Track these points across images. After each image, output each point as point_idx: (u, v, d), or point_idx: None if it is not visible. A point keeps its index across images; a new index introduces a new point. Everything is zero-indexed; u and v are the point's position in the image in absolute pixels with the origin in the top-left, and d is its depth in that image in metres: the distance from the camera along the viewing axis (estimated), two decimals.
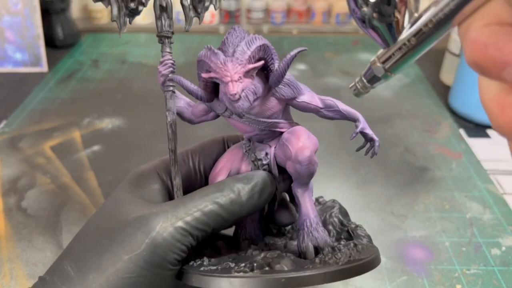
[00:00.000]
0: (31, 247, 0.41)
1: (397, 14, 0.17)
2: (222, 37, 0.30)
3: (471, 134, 0.60)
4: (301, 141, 0.28)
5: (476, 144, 0.58)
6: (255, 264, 0.27)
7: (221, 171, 0.31)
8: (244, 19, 0.95)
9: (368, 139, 0.30)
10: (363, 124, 0.29)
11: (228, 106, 0.27)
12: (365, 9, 0.17)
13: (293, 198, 0.33)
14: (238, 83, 0.26)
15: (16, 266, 0.39)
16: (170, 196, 0.32)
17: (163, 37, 0.30)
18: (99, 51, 0.84)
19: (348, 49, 0.86)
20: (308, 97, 0.29)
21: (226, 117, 0.30)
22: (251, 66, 0.26)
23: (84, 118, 0.62)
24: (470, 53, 0.15)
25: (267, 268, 0.27)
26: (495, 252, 0.42)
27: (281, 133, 0.30)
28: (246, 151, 0.31)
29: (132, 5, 0.29)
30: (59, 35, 0.82)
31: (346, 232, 0.32)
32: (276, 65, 0.27)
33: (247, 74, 0.26)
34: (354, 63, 0.79)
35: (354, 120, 0.30)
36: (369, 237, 0.31)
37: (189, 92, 0.28)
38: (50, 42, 0.80)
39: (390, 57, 0.18)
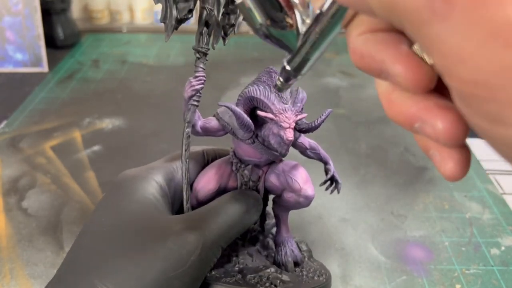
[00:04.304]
0: (31, 247, 0.41)
1: (288, 20, 0.19)
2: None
3: (470, 134, 0.59)
4: (308, 180, 0.33)
5: (475, 144, 0.58)
6: (276, 280, 0.33)
7: (210, 183, 0.33)
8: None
9: (334, 180, 0.35)
10: (332, 167, 0.35)
11: (274, 145, 0.30)
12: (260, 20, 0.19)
13: None
14: (293, 131, 0.30)
15: (17, 266, 0.39)
16: (168, 198, 0.33)
17: (200, 53, 0.30)
18: (100, 51, 0.84)
19: (348, 49, 0.86)
20: (303, 138, 0.34)
21: (240, 141, 0.31)
22: (301, 116, 0.30)
23: (84, 118, 0.62)
24: (353, 61, 0.16)
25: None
26: (494, 252, 0.42)
27: (274, 162, 0.33)
28: (236, 169, 0.33)
29: (181, 5, 0.29)
30: (59, 35, 0.82)
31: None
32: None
33: None
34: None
35: (326, 162, 0.35)
36: (310, 251, 0.38)
37: (242, 122, 0.30)
38: (51, 42, 0.80)
39: (293, 60, 0.19)
